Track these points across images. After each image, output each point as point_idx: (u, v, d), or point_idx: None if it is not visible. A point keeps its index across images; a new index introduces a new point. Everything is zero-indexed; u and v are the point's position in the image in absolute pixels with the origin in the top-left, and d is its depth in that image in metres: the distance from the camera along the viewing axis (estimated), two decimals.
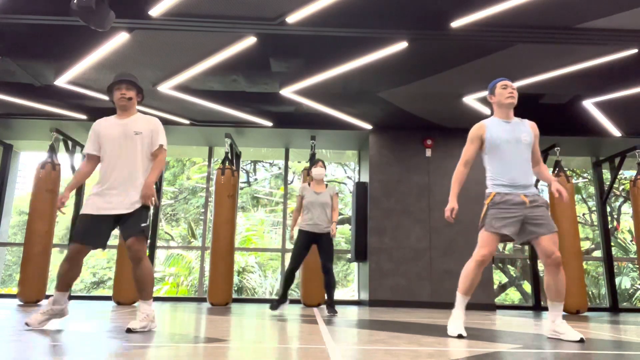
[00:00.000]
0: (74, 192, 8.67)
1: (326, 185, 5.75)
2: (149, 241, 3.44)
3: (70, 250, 3.25)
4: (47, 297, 7.53)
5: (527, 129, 3.46)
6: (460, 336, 3.15)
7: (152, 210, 3.45)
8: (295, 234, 5.66)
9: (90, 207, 3.29)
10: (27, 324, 3.21)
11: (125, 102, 3.52)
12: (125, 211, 3.28)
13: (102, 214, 3.27)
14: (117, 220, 3.31)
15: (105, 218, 3.28)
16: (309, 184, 5.74)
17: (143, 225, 3.30)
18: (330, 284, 5.52)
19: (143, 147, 3.42)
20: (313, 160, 7.84)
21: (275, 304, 5.57)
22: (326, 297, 5.60)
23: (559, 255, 3.25)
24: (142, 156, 3.41)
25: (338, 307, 7.13)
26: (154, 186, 3.40)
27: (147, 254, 3.40)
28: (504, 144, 3.39)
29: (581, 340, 3.04)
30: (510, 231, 3.25)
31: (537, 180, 7.84)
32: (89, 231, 3.27)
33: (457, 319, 3.31)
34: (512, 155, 3.37)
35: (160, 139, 3.48)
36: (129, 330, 3.11)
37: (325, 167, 5.80)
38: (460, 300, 3.36)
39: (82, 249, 3.27)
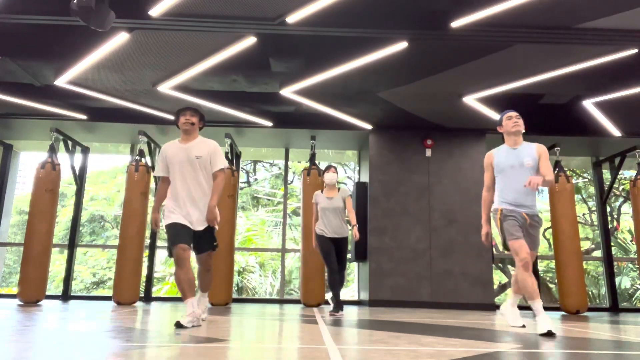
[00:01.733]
0: (74, 191, 8.69)
1: (338, 189, 5.73)
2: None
3: (177, 253, 3.62)
4: (47, 297, 7.53)
5: (532, 153, 3.89)
6: (549, 333, 3.38)
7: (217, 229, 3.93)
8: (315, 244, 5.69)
9: (174, 219, 3.71)
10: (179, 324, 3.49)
11: (188, 126, 3.90)
12: (200, 228, 3.75)
13: (184, 224, 3.70)
14: (194, 235, 3.76)
15: (185, 226, 3.71)
16: (322, 190, 5.76)
17: (215, 243, 3.90)
18: (340, 282, 5.60)
19: (204, 170, 3.84)
20: (314, 164, 7.84)
21: (334, 309, 5.36)
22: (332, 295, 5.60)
23: (529, 262, 3.72)
24: (203, 178, 3.82)
25: None
26: (215, 209, 3.81)
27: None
28: (508, 168, 3.88)
29: (523, 326, 3.91)
30: (522, 234, 3.74)
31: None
32: (181, 233, 3.67)
33: (543, 319, 3.54)
34: (515, 178, 3.81)
35: (219, 163, 3.87)
36: (179, 325, 3.45)
37: (337, 172, 5.79)
38: (534, 306, 3.66)
39: (185, 249, 3.65)
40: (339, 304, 5.41)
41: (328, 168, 5.79)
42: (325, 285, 7.04)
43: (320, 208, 5.63)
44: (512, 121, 3.96)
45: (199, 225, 3.75)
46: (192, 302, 3.61)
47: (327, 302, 5.56)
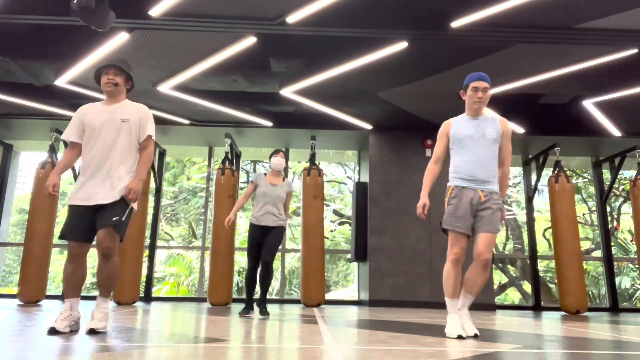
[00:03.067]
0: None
1: (283, 178, 5.16)
2: (121, 241, 3.15)
3: (68, 247, 3.08)
4: (47, 297, 7.53)
5: (495, 125, 3.44)
6: (459, 337, 3.11)
7: (132, 210, 3.16)
8: (232, 218, 5.02)
9: (72, 198, 3.12)
10: (54, 330, 2.93)
11: (111, 87, 3.27)
12: (102, 202, 3.04)
13: (81, 205, 3.07)
14: (97, 211, 3.07)
15: (83, 209, 3.07)
16: (265, 174, 5.10)
17: (115, 219, 3.03)
18: (265, 277, 4.90)
19: (130, 136, 3.20)
20: (315, 165, 7.73)
21: (243, 311, 4.91)
22: (259, 293, 5.00)
23: (488, 257, 3.28)
24: (125, 145, 3.18)
25: (338, 307, 7.15)
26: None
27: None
28: (466, 139, 3.41)
29: (475, 336, 3.17)
30: (465, 227, 3.30)
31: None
32: (71, 224, 3.08)
33: (453, 322, 3.26)
34: (474, 150, 3.37)
35: (149, 129, 3.27)
36: (92, 331, 2.95)
37: (285, 158, 5.26)
38: (449, 304, 3.33)
39: (79, 246, 3.06)
40: (264, 302, 4.93)
41: (276, 152, 5.14)
42: (324, 285, 7.01)
43: (258, 192, 5.01)
44: (477, 96, 3.47)
45: (103, 199, 3.05)
46: (70, 304, 3.04)
47: (259, 299, 4.99)
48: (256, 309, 5.00)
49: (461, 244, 3.31)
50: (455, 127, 3.51)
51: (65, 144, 7.88)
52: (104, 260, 3.07)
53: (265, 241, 4.90)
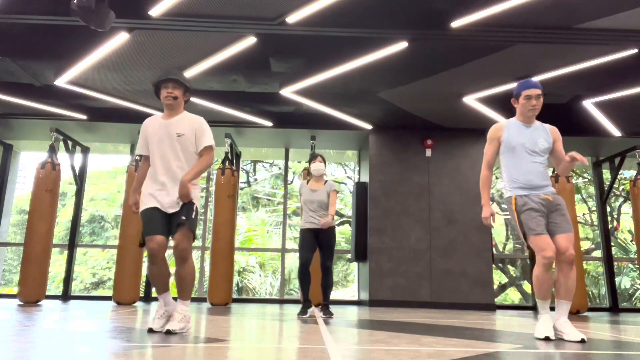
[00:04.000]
0: (74, 191, 8.69)
1: (325, 181, 5.26)
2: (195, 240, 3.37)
3: (148, 246, 3.22)
4: (47, 297, 7.53)
5: (547, 135, 3.52)
6: (547, 338, 3.11)
7: (197, 208, 3.34)
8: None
9: (147, 202, 3.31)
10: (151, 330, 3.19)
11: (170, 100, 3.40)
12: (172, 210, 3.27)
13: (157, 207, 3.28)
14: (169, 219, 3.29)
15: (160, 211, 3.28)
16: (307, 182, 5.29)
17: (183, 218, 3.23)
18: (326, 283, 5.13)
19: (186, 149, 3.36)
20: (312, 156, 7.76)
21: (302, 311, 5.03)
22: (322, 298, 5.20)
23: (573, 253, 3.28)
24: (185, 158, 3.35)
25: (338, 307, 7.14)
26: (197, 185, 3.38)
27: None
28: (519, 147, 3.44)
29: (582, 341, 3.04)
30: (544, 227, 3.30)
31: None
32: (153, 222, 3.25)
33: (543, 322, 3.26)
34: (526, 159, 3.43)
35: (206, 140, 3.39)
36: (168, 332, 3.07)
37: (325, 161, 5.33)
38: (541, 305, 3.33)
39: (158, 241, 3.21)
40: (327, 307, 5.10)
41: (314, 157, 5.28)
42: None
43: (303, 201, 5.19)
44: (531, 103, 3.44)
45: (172, 207, 3.28)
46: (163, 300, 3.31)
47: (322, 303, 5.24)
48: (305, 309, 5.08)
49: (551, 245, 3.26)
50: (507, 132, 3.51)
51: (74, 146, 7.92)
52: (181, 263, 3.24)
53: (320, 246, 5.12)
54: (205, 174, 9.30)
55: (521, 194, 3.38)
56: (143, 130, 3.48)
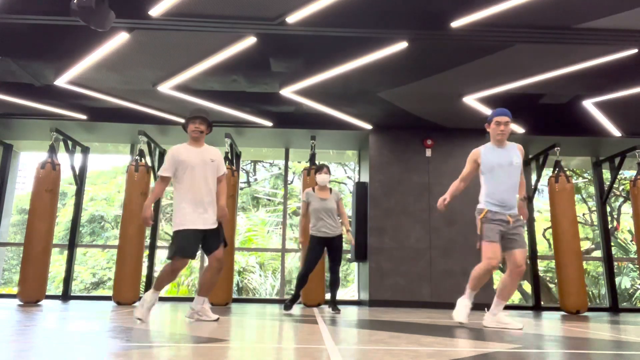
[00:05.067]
0: (74, 191, 8.68)
1: (330, 190, 5.77)
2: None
3: (177, 264, 3.89)
4: (47, 297, 7.53)
5: (517, 153, 4.01)
6: (460, 324, 3.64)
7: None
8: (305, 240, 5.82)
9: (189, 224, 3.91)
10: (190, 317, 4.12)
11: (197, 134, 4.15)
12: (213, 227, 4.02)
13: (199, 229, 3.93)
14: (205, 234, 3.98)
15: (199, 232, 3.94)
16: (314, 190, 5.74)
17: (223, 238, 4.12)
18: (335, 283, 5.73)
19: (214, 173, 4.15)
20: (315, 165, 7.85)
21: (288, 304, 5.67)
22: (330, 296, 5.80)
23: (524, 268, 3.91)
24: (213, 180, 4.13)
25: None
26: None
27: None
28: (496, 167, 3.96)
29: (521, 329, 3.71)
30: (498, 239, 3.91)
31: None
32: (191, 245, 3.91)
33: (465, 307, 3.97)
34: (504, 177, 3.93)
35: (224, 167, 4.28)
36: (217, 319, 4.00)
37: (330, 172, 5.78)
38: (469, 294, 4.05)
39: (186, 262, 3.99)
40: (334, 303, 5.70)
41: (321, 168, 5.74)
42: (325, 285, 7.03)
43: (313, 209, 5.64)
44: (500, 128, 3.99)
45: (213, 224, 4.03)
46: (199, 300, 4.15)
47: (326, 303, 5.65)
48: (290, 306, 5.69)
49: (498, 256, 3.86)
50: (484, 155, 4.05)
51: (74, 146, 7.92)
52: (217, 272, 4.08)
53: (331, 253, 5.64)
54: None
55: (492, 210, 3.92)
56: (175, 156, 4.05)
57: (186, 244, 3.89)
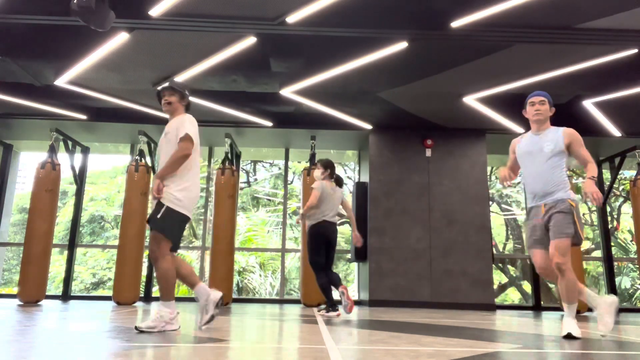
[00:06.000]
0: (74, 190, 8.68)
1: (339, 185, 5.70)
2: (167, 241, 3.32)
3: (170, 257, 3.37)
4: (47, 297, 7.53)
5: (556, 138, 3.51)
6: (569, 335, 3.23)
7: (170, 206, 3.27)
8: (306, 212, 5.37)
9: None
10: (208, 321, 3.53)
11: (167, 107, 3.56)
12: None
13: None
14: None
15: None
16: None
17: (152, 217, 3.27)
18: (335, 277, 5.27)
19: (170, 147, 3.39)
20: (315, 164, 7.78)
21: (329, 307, 5.15)
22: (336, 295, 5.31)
23: (557, 261, 3.33)
24: (168, 156, 3.37)
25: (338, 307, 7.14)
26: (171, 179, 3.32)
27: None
28: (525, 155, 3.62)
29: (568, 336, 3.23)
30: (541, 244, 3.48)
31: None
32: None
33: (566, 323, 3.36)
34: (532, 166, 3.56)
35: (181, 131, 3.33)
36: (135, 328, 3.18)
37: (322, 168, 5.63)
38: (565, 308, 3.45)
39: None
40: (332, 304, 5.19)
41: (315, 165, 5.65)
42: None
43: (323, 196, 5.32)
44: (535, 108, 3.59)
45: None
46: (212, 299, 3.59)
47: (325, 303, 5.33)
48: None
49: (539, 259, 3.50)
50: (518, 146, 3.72)
51: (74, 146, 7.92)
52: (153, 265, 3.38)
53: (328, 249, 5.35)
54: (204, 174, 9.31)
55: (530, 205, 3.62)
56: None
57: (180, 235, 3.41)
